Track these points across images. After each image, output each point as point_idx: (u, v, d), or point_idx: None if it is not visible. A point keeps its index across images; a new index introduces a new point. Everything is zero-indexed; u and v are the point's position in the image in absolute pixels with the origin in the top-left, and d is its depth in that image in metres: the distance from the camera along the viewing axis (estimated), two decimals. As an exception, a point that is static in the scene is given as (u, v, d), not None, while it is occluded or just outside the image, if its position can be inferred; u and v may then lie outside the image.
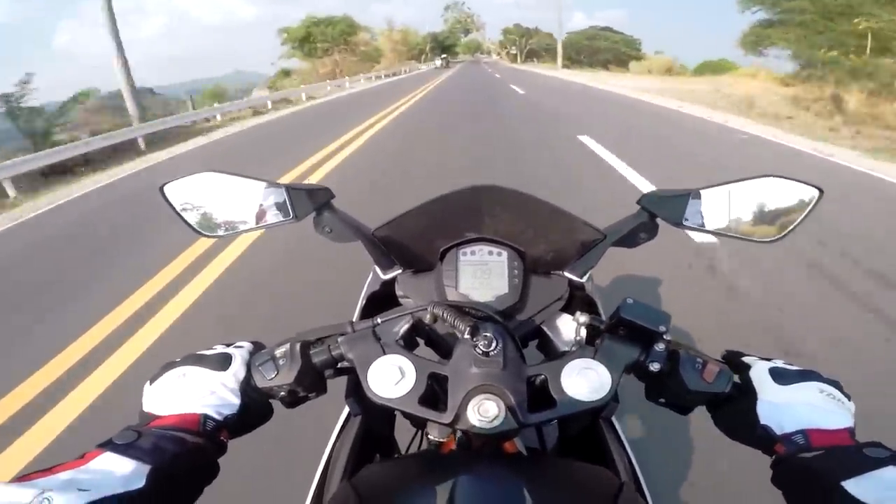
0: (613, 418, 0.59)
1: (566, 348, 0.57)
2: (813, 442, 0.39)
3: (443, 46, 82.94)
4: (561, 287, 0.61)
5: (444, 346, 0.62)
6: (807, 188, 0.56)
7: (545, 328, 0.60)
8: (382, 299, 0.66)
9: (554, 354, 0.58)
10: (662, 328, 0.45)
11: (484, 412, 0.41)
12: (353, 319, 0.64)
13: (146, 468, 0.36)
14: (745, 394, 0.45)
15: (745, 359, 0.48)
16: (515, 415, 0.42)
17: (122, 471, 0.36)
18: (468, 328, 0.45)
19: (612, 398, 0.45)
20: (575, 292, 0.62)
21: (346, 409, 0.65)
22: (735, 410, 0.45)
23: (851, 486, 0.34)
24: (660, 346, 0.46)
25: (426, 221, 0.59)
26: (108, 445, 0.38)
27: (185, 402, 0.44)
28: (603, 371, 0.44)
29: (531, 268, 0.60)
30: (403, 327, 0.55)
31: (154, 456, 0.38)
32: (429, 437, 0.57)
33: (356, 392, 0.58)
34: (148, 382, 0.46)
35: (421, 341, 0.64)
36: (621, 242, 0.60)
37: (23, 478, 0.33)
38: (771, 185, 0.56)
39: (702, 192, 0.57)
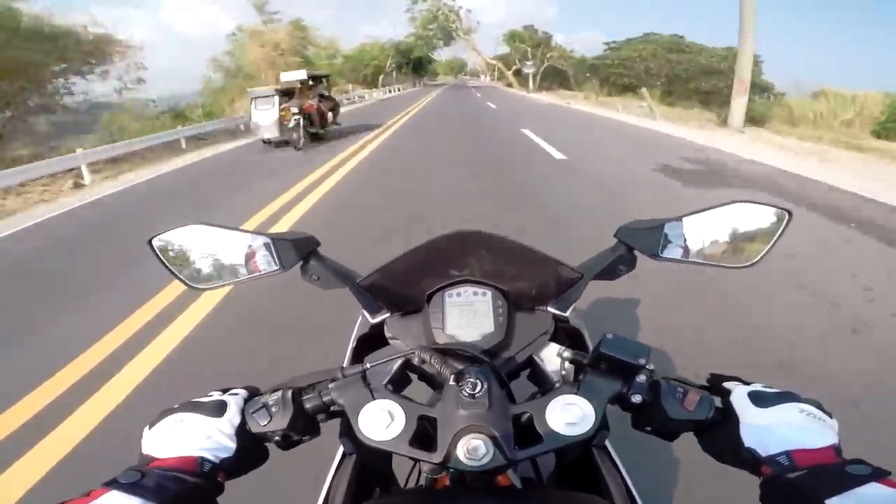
0: (609, 445, 0.59)
1: (556, 378, 0.58)
2: (797, 462, 0.40)
3: (412, 62, 53.45)
4: (546, 322, 0.62)
5: (436, 382, 0.63)
6: (776, 211, 0.58)
7: (536, 359, 0.61)
8: (373, 340, 0.67)
9: (544, 385, 0.60)
10: (643, 360, 0.47)
11: (472, 451, 0.43)
12: (344, 363, 0.66)
13: None
14: (727, 419, 0.46)
15: (726, 384, 0.50)
16: (503, 451, 0.43)
17: None
18: (452, 374, 0.47)
19: (601, 427, 0.46)
20: (560, 324, 0.63)
21: (341, 449, 0.65)
22: (720, 435, 0.47)
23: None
24: (641, 378, 0.47)
25: (410, 267, 0.60)
26: (114, 485, 0.39)
27: (183, 446, 0.45)
28: (586, 405, 0.45)
29: (515, 305, 0.61)
30: (394, 367, 0.56)
31: (158, 494, 0.39)
32: (423, 474, 0.58)
33: (349, 431, 0.58)
34: (147, 427, 0.47)
35: (414, 376, 0.65)
36: (601, 276, 0.62)
37: None
38: (742, 211, 0.58)
39: (676, 221, 0.59)
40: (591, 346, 0.63)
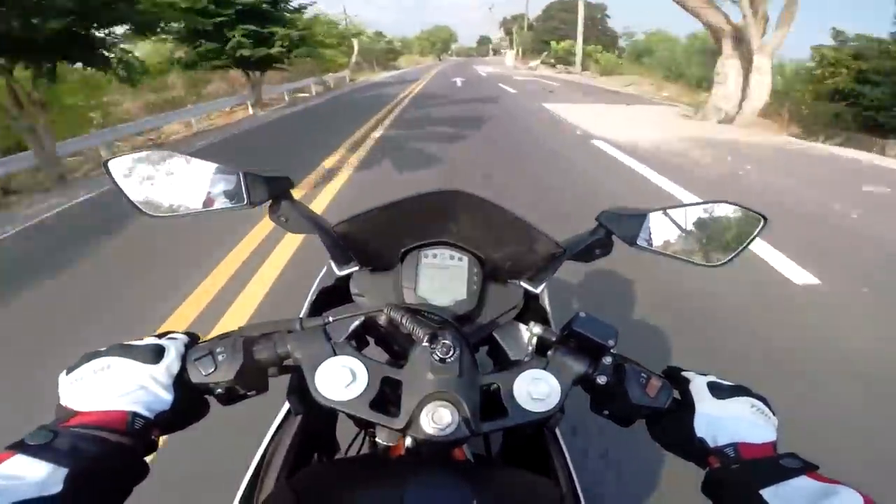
0: (557, 429, 0.60)
1: (516, 357, 0.58)
2: (742, 454, 0.42)
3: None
4: (516, 296, 0.61)
5: (395, 347, 0.61)
6: (753, 215, 0.59)
7: (496, 335, 0.60)
8: (332, 295, 0.64)
9: (504, 362, 0.59)
10: (611, 342, 0.47)
11: (438, 419, 0.41)
12: (302, 314, 0.62)
13: (63, 472, 0.33)
14: (683, 408, 0.47)
15: (685, 373, 0.50)
16: (468, 423, 0.42)
17: (35, 475, 0.33)
18: (427, 335, 0.45)
19: (559, 409, 0.45)
20: (529, 302, 0.63)
21: (285, 407, 0.63)
22: (672, 424, 0.47)
23: (769, 494, 0.37)
24: (607, 360, 0.47)
25: (390, 220, 0.58)
26: (20, 448, 0.34)
27: (110, 398, 0.40)
28: (553, 382, 0.45)
29: (489, 275, 0.60)
30: (353, 325, 0.53)
31: (71, 458, 0.34)
32: (376, 439, 0.56)
33: (298, 390, 0.56)
34: (64, 372, 0.42)
35: (370, 340, 0.63)
36: (577, 257, 0.61)
37: None
38: (722, 210, 0.59)
39: (658, 213, 0.59)
40: (553, 326, 0.63)
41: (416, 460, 0.49)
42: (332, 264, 0.62)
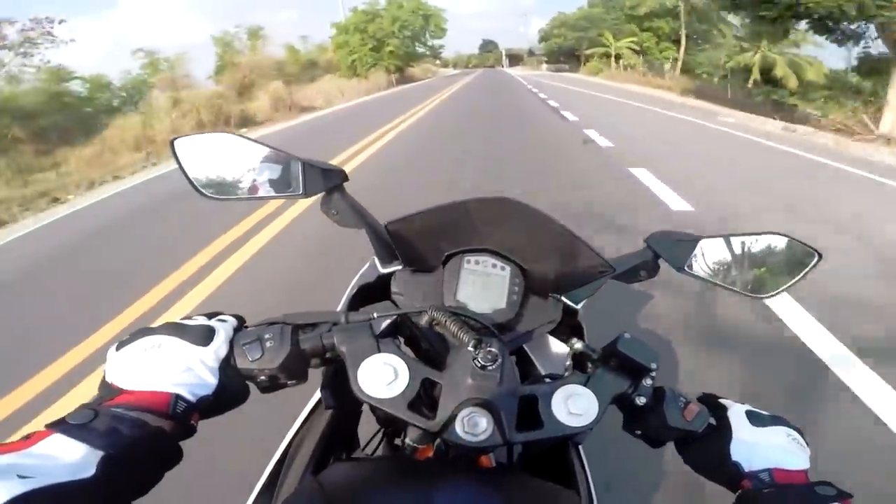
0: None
1: (548, 371, 0.58)
2: (776, 479, 0.43)
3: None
4: (555, 310, 0.61)
5: (426, 349, 0.61)
6: (808, 250, 0.58)
7: (526, 347, 0.60)
8: (369, 291, 0.65)
9: (533, 375, 0.59)
10: (654, 365, 0.47)
11: (472, 425, 0.42)
12: (340, 307, 0.63)
13: (98, 454, 0.33)
14: (718, 432, 0.47)
15: (721, 401, 0.51)
16: (503, 431, 0.42)
17: (70, 456, 0.32)
18: (473, 340, 0.45)
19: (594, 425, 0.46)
20: (565, 317, 0.62)
21: (313, 400, 0.63)
22: (706, 447, 0.48)
23: None
24: (647, 382, 0.48)
25: (437, 223, 0.58)
26: (60, 426, 0.34)
27: (156, 378, 0.39)
28: (592, 399, 0.45)
29: (530, 287, 0.60)
30: (387, 322, 0.54)
31: (108, 440, 0.34)
32: (404, 440, 0.56)
33: (333, 384, 0.56)
34: (114, 348, 0.41)
35: (401, 338, 0.63)
36: (621, 277, 0.61)
37: None
38: (775, 242, 0.59)
39: (708, 240, 0.59)
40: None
41: (444, 464, 0.49)
42: (377, 261, 0.63)
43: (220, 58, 24.03)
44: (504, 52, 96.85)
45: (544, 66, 57.96)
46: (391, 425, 0.68)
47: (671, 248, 0.59)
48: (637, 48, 33.77)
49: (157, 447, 0.37)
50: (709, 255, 0.59)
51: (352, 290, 0.65)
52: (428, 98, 15.84)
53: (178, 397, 0.39)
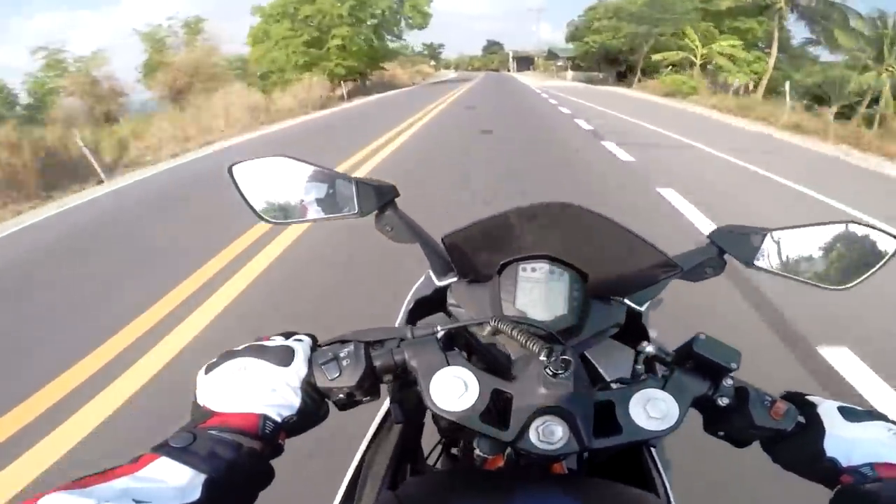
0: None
1: (612, 375, 0.57)
2: (880, 474, 0.41)
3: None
4: (619, 314, 0.60)
5: (487, 359, 0.61)
6: (886, 238, 0.55)
7: (587, 352, 0.59)
8: (425, 304, 0.65)
9: (594, 379, 0.58)
10: (734, 365, 0.46)
11: (547, 434, 0.42)
12: (398, 321, 0.63)
13: (202, 477, 0.34)
14: (810, 429, 0.46)
15: (810, 398, 0.50)
16: (580, 438, 0.42)
17: (177, 480, 0.33)
18: (544, 349, 0.44)
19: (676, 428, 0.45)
20: (629, 321, 0.61)
21: (379, 415, 0.63)
22: (797, 445, 0.47)
23: None
24: (728, 382, 0.47)
25: (492, 233, 0.58)
26: (164, 449, 0.35)
27: (245, 400, 0.40)
28: (672, 402, 0.44)
29: (592, 291, 0.59)
30: (441, 333, 0.54)
31: (210, 463, 0.35)
32: (475, 452, 0.56)
33: (402, 398, 0.56)
34: (203, 370, 0.43)
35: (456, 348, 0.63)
36: (686, 275, 0.60)
37: (77, 483, 0.31)
38: (849, 231, 0.56)
39: (778, 231, 0.57)
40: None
41: (518, 473, 0.49)
42: (432, 274, 0.63)
43: (149, 56, 18.78)
44: (511, 55, 79.53)
45: (569, 73, 41.78)
46: (453, 436, 0.68)
47: (737, 242, 0.58)
48: (732, 54, 22.36)
49: (253, 468, 0.38)
50: (779, 248, 0.57)
51: (409, 303, 0.65)
52: (356, 147, 7.18)
53: (266, 418, 0.40)
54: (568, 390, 0.42)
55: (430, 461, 0.73)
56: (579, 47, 36.07)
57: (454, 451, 0.75)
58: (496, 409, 0.44)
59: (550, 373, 0.43)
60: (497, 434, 0.42)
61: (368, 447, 0.60)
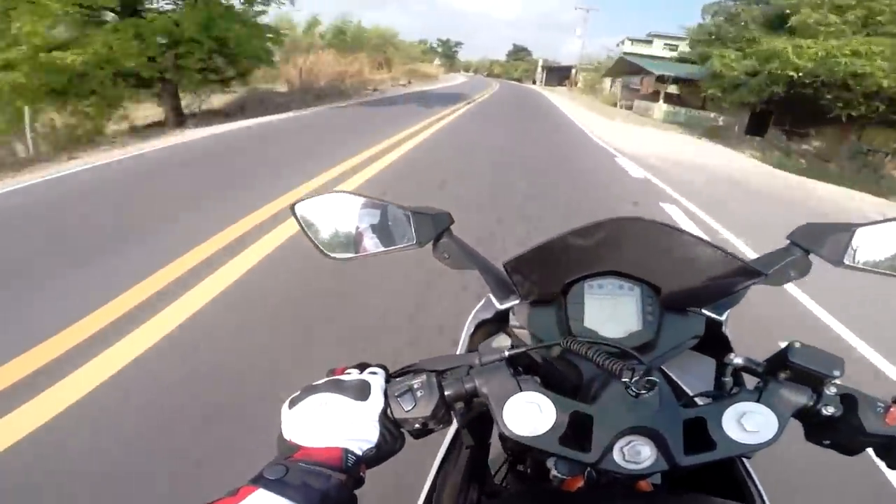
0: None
1: (694, 388, 0.55)
2: None
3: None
4: (698, 325, 0.57)
5: (556, 380, 0.59)
6: None
7: (665, 367, 0.57)
8: (487, 327, 0.65)
9: (677, 394, 0.55)
10: (836, 373, 0.43)
11: (634, 454, 0.41)
12: (460, 346, 0.63)
13: None
14: None
15: None
16: (670, 457, 0.41)
17: None
18: (626, 369, 0.43)
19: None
20: (709, 330, 0.58)
21: (447, 440, 0.63)
22: None
23: None
24: (831, 391, 0.44)
25: (554, 254, 0.57)
26: (261, 481, 0.36)
27: (328, 435, 0.42)
28: (769, 415, 0.42)
29: (666, 304, 0.57)
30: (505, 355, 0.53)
31: (304, 494, 0.36)
32: (553, 473, 0.55)
33: (470, 423, 0.56)
34: (287, 405, 0.45)
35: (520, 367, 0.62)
36: (769, 280, 0.57)
37: None
38: None
39: (865, 227, 0.54)
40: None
41: (601, 493, 0.48)
42: (493, 298, 0.63)
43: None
44: (541, 64, 62.42)
45: (658, 107, 20.05)
46: (521, 455, 0.67)
47: (822, 240, 0.55)
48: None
49: (341, 500, 0.40)
50: (867, 244, 0.54)
51: (469, 328, 0.65)
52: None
53: (348, 452, 0.42)
54: (654, 409, 0.42)
55: (497, 479, 0.72)
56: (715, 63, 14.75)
57: (520, 467, 0.74)
58: (573, 429, 0.44)
59: (633, 392, 0.42)
60: (578, 457, 0.42)
61: (438, 471, 0.60)
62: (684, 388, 0.58)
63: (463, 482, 0.57)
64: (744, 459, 0.56)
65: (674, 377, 0.57)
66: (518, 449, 0.64)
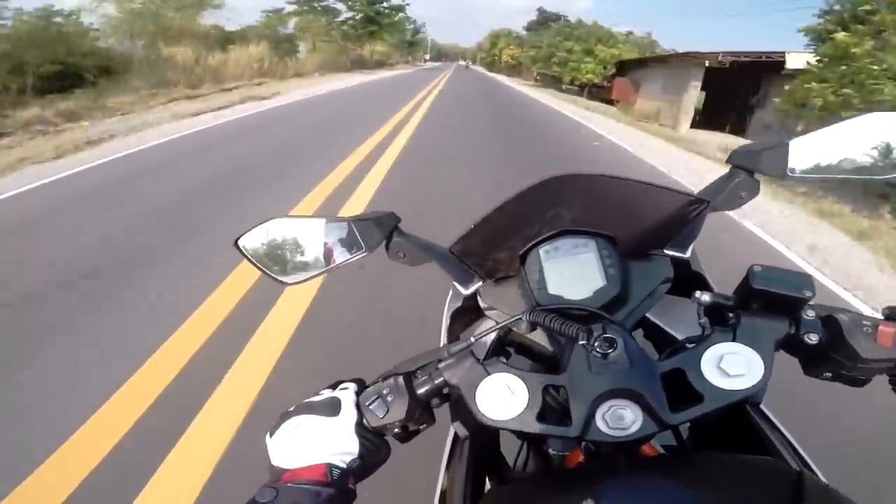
0: (762, 404, 0.53)
1: (684, 334, 0.53)
2: None
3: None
4: (665, 268, 0.55)
5: (539, 354, 0.58)
6: None
7: (650, 316, 0.56)
8: (466, 314, 0.64)
9: (667, 343, 0.55)
10: (808, 293, 0.41)
11: (616, 419, 0.39)
12: (441, 342, 0.62)
13: None
14: None
15: None
16: (656, 417, 0.38)
17: None
18: (582, 332, 0.42)
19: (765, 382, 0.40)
20: (680, 270, 0.57)
21: (452, 433, 0.62)
22: None
23: None
24: (809, 314, 0.42)
25: (501, 225, 0.56)
26: None
27: (309, 453, 0.43)
28: (750, 353, 0.40)
29: (626, 253, 0.55)
30: (491, 339, 0.52)
31: None
32: (550, 451, 0.53)
33: (461, 414, 0.55)
34: (268, 435, 0.46)
35: (510, 349, 0.61)
36: (721, 206, 0.56)
37: None
38: (876, 122, 0.52)
39: (799, 140, 0.53)
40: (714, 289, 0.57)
41: (600, 465, 0.46)
42: (457, 286, 0.62)
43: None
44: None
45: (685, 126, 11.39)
46: (531, 435, 0.66)
47: (762, 159, 0.54)
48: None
49: None
50: (808, 154, 0.53)
51: (445, 321, 0.65)
52: None
53: (331, 466, 0.43)
54: (624, 368, 0.39)
55: (520, 463, 0.71)
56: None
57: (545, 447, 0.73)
58: (559, 405, 0.42)
59: (598, 354, 0.40)
60: (561, 432, 0.40)
61: (448, 467, 0.59)
62: (675, 335, 0.57)
63: (467, 475, 0.56)
64: (760, 407, 0.53)
65: (664, 326, 0.55)
66: (522, 431, 0.62)
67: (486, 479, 0.65)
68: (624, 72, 18.27)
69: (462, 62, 73.97)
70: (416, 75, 28.69)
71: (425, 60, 75.41)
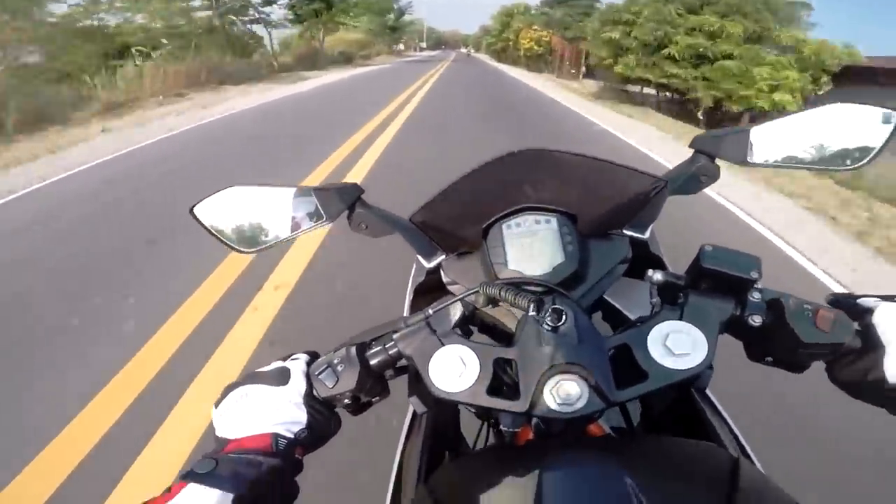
0: (708, 389, 0.53)
1: (638, 314, 0.53)
2: None
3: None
4: (622, 248, 0.56)
5: (501, 330, 0.59)
6: (883, 112, 0.51)
7: (608, 297, 0.56)
8: (430, 289, 0.63)
9: (625, 324, 0.55)
10: (755, 274, 0.41)
11: (563, 394, 0.38)
12: (405, 315, 0.62)
13: (229, 497, 0.36)
14: (869, 344, 0.39)
15: (862, 301, 0.42)
16: (601, 393, 0.38)
17: (207, 502, 0.36)
18: (531, 303, 0.41)
19: (709, 364, 0.40)
20: (638, 251, 0.57)
21: (410, 409, 0.63)
22: (857, 365, 0.40)
23: None
24: (755, 296, 0.42)
25: (464, 198, 0.56)
26: (190, 476, 0.37)
27: (254, 423, 0.43)
28: (695, 333, 0.40)
29: (586, 231, 0.55)
30: (457, 315, 0.52)
31: (234, 483, 0.37)
32: (501, 428, 0.54)
33: (419, 389, 0.55)
34: (214, 407, 0.45)
35: (474, 328, 0.61)
36: (681, 189, 0.56)
37: None
38: (839, 113, 0.52)
39: (760, 127, 0.54)
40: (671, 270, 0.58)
41: (548, 443, 0.46)
42: (420, 258, 0.62)
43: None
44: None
45: None
46: (489, 414, 0.66)
47: (723, 145, 0.54)
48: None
49: (276, 484, 0.41)
50: (768, 141, 0.54)
51: (409, 295, 0.64)
52: None
53: (277, 436, 0.42)
54: (572, 342, 0.39)
55: (480, 444, 0.72)
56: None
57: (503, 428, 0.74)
58: (511, 380, 0.42)
59: (548, 328, 0.40)
60: (509, 405, 0.40)
61: (405, 444, 0.59)
62: (629, 315, 0.57)
63: (422, 452, 0.56)
64: (706, 393, 0.54)
65: (621, 308, 0.56)
66: (480, 409, 0.62)
67: (447, 458, 0.65)
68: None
69: (463, 50, 70.97)
70: (357, 90, 12.18)
71: (421, 49, 67.96)
